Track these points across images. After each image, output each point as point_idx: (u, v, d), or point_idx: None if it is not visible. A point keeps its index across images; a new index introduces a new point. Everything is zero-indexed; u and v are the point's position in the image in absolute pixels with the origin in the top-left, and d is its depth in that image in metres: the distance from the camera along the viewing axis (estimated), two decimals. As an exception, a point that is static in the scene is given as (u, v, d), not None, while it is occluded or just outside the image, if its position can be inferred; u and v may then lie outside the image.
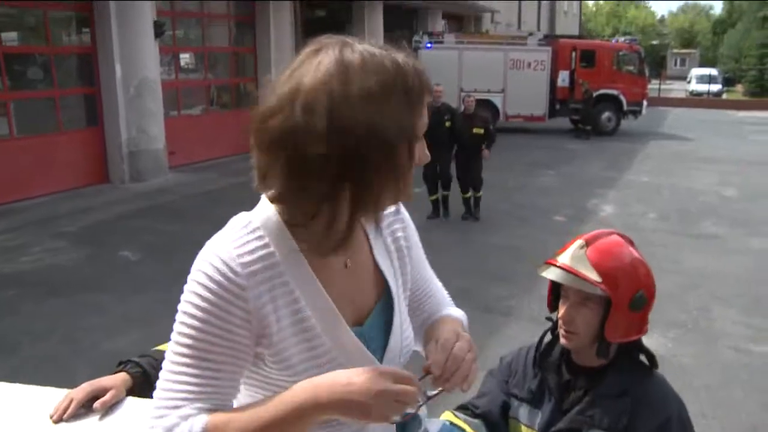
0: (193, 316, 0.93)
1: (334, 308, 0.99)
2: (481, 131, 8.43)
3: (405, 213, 1.18)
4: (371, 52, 0.92)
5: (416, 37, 18.50)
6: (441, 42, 18.51)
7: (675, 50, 69.56)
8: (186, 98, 13.08)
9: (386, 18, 19.45)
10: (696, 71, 43.47)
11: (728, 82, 43.92)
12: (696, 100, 32.87)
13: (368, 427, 1.03)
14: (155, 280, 6.13)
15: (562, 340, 1.52)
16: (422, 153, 0.98)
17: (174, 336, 0.95)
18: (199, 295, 0.93)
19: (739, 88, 44.05)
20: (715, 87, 38.20)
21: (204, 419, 0.91)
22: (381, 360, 1.05)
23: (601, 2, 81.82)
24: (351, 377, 0.90)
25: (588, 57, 18.49)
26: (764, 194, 10.72)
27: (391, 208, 1.12)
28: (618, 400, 1.44)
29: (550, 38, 19.71)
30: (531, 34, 20.20)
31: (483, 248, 7.59)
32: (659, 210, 9.60)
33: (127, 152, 10.71)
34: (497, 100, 18.40)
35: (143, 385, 1.45)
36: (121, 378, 1.44)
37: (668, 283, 5.74)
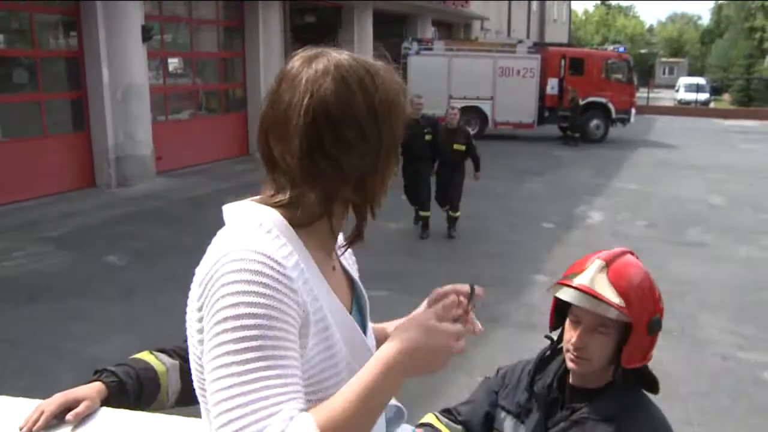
0: (252, 316, 0.85)
1: (344, 308, 1.01)
2: (463, 148, 7.94)
3: None
4: (371, 63, 0.97)
5: (405, 44, 18.53)
6: (430, 49, 18.56)
7: (663, 59, 70.19)
8: (174, 103, 13.00)
9: (376, 24, 19.48)
10: (684, 80, 43.84)
11: (716, 91, 44.33)
12: (684, 109, 33.15)
13: None
14: (141, 285, 6.07)
15: (570, 365, 1.45)
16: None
17: (227, 347, 0.84)
18: (253, 293, 0.86)
19: (727, 97, 44.48)
20: (703, 96, 38.51)
21: (308, 416, 0.83)
22: None
23: (591, 11, 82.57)
24: (407, 332, 0.90)
25: (577, 65, 18.61)
26: (751, 202, 10.80)
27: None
28: (603, 424, 1.39)
29: (539, 46, 19.82)
30: (520, 41, 20.31)
31: (470, 254, 7.58)
32: (647, 217, 9.64)
33: (114, 157, 10.61)
34: (486, 107, 18.47)
35: (119, 395, 1.41)
36: (95, 388, 1.39)
37: (655, 290, 5.76)
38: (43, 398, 1.38)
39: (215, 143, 11.95)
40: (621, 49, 21.40)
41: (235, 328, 0.85)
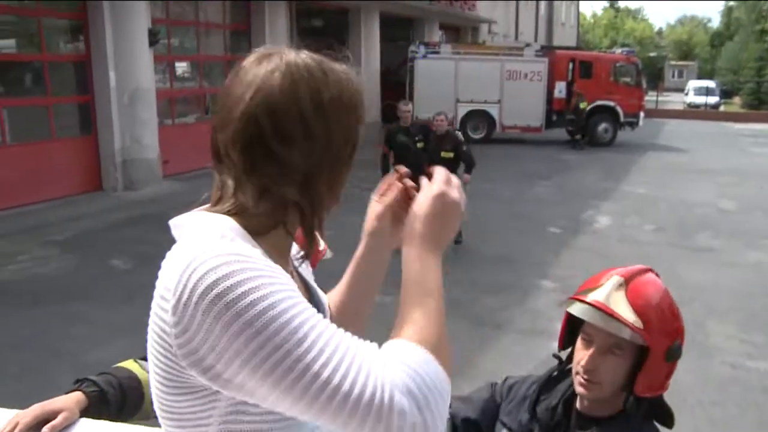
0: (271, 308, 0.75)
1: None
2: (451, 155, 7.41)
3: None
4: (328, 63, 0.93)
5: (412, 47, 18.50)
6: (437, 52, 18.52)
7: (672, 62, 69.87)
8: (181, 106, 13.03)
9: (383, 27, 19.50)
10: (693, 83, 43.63)
11: (726, 94, 44.08)
12: (693, 112, 32.93)
13: None
14: (145, 289, 5.90)
15: (579, 389, 1.35)
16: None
17: (279, 356, 0.75)
18: (249, 290, 0.76)
19: (737, 100, 44.22)
20: (713, 99, 38.30)
21: (403, 342, 0.80)
22: None
23: (599, 14, 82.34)
24: (414, 222, 0.94)
25: (585, 68, 18.52)
26: (761, 207, 10.68)
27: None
28: None
29: (546, 49, 19.74)
30: (528, 45, 20.24)
31: (475, 259, 7.51)
32: (655, 222, 9.55)
33: (121, 161, 10.65)
34: (494, 110, 18.40)
35: (100, 406, 1.37)
36: (74, 398, 1.35)
37: (663, 296, 5.68)
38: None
39: (222, 147, 11.97)
40: (630, 51, 21.30)
41: (267, 338, 0.74)
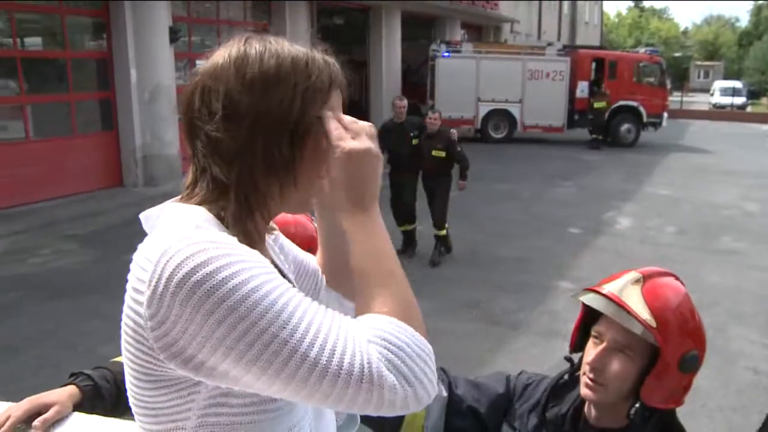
0: (253, 292, 0.74)
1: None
2: (442, 154, 7.00)
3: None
4: (275, 44, 0.89)
5: (434, 46, 18.41)
6: (459, 51, 18.40)
7: (698, 62, 68.81)
8: (201, 104, 13.11)
9: (404, 26, 19.43)
10: (719, 83, 42.89)
11: (753, 95, 43.28)
12: (719, 113, 32.39)
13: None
14: None
15: (584, 391, 1.28)
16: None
17: (264, 339, 0.73)
18: (234, 274, 0.74)
19: (765, 101, 43.39)
20: (739, 100, 37.61)
21: (378, 316, 0.80)
22: None
23: (624, 13, 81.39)
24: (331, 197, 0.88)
25: (608, 68, 18.28)
26: (787, 209, 10.43)
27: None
28: None
29: (569, 48, 19.52)
30: (550, 44, 20.03)
31: (492, 259, 7.43)
32: (678, 224, 9.37)
33: (141, 157, 10.75)
34: (515, 110, 18.25)
35: (93, 400, 1.36)
36: (67, 392, 1.34)
37: (684, 299, 5.56)
38: None
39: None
40: (654, 50, 20.98)
41: (253, 322, 0.73)
